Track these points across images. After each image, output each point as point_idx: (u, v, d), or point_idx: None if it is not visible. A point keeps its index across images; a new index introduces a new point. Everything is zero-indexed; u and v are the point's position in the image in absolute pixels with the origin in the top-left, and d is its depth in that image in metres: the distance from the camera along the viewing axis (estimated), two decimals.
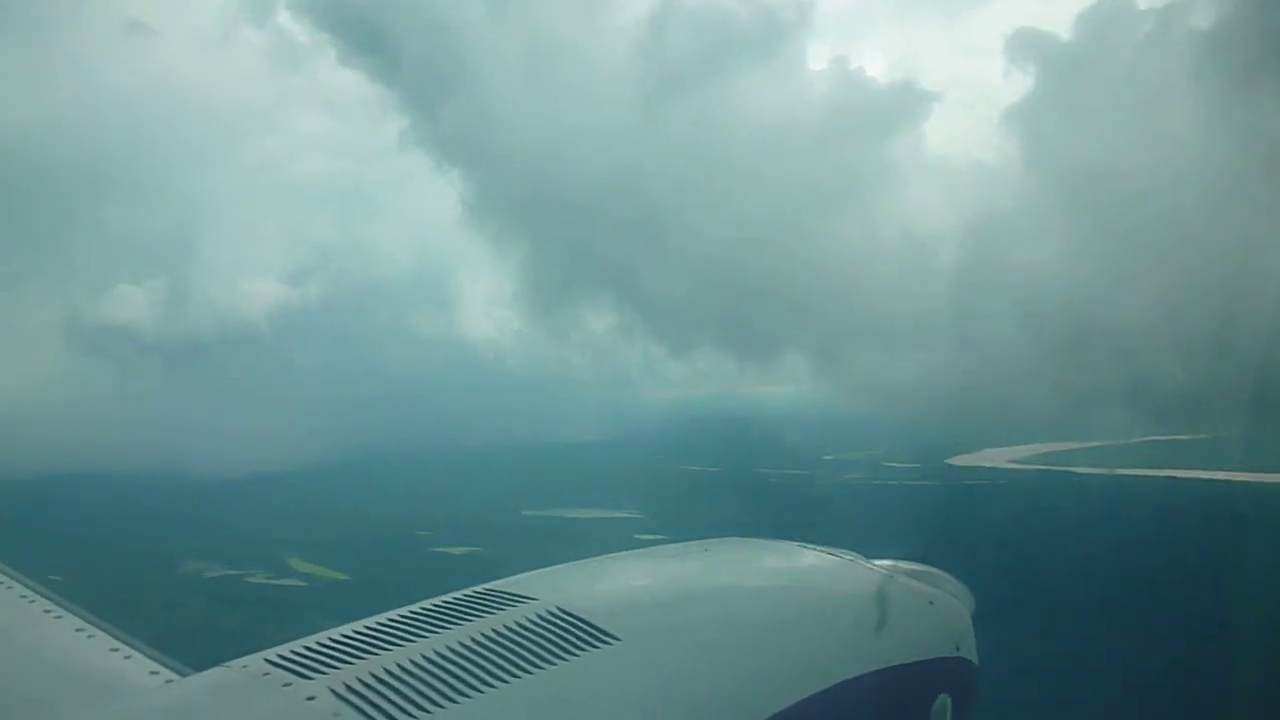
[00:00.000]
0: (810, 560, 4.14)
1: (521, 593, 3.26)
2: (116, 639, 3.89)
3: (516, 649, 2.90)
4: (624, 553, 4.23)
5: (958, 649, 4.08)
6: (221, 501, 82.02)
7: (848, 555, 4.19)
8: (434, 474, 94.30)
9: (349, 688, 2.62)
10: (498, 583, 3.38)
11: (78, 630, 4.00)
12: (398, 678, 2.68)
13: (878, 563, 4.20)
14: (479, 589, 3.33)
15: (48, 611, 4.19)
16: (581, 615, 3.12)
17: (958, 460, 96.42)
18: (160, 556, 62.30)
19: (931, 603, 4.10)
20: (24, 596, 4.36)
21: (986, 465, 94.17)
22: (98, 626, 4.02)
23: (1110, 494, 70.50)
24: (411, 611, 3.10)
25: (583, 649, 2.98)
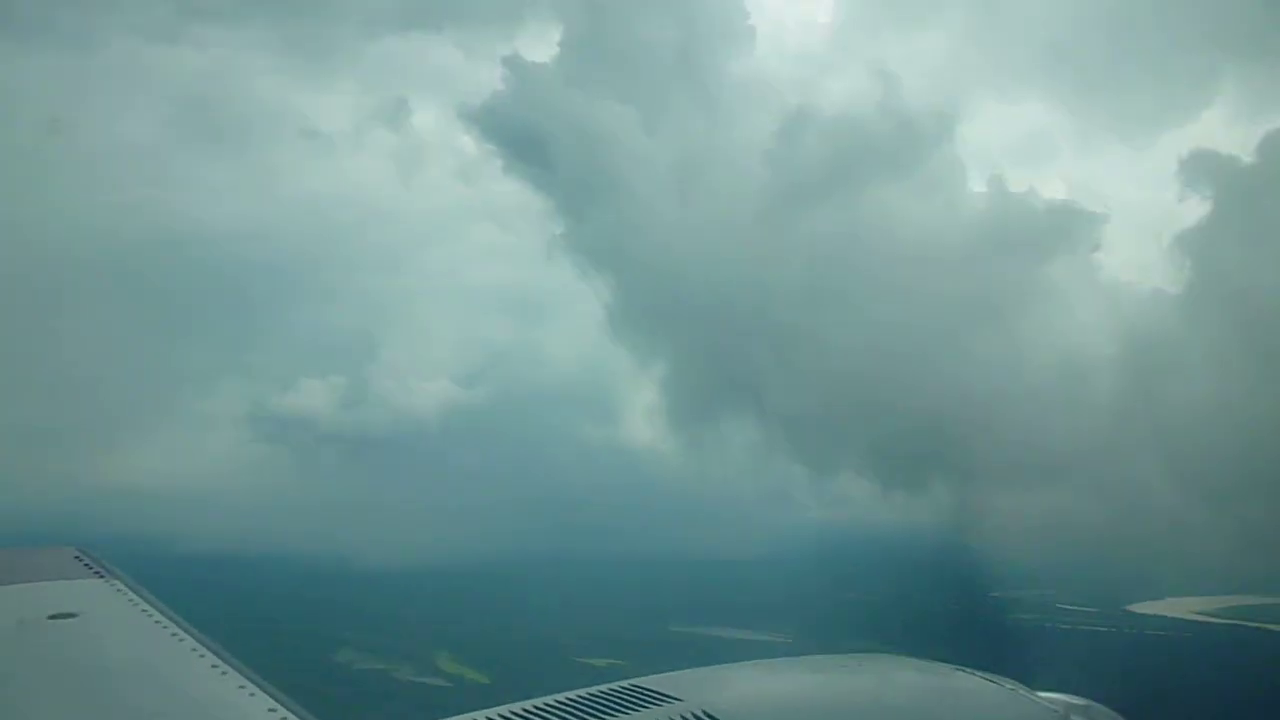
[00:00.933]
0: (969, 685, 3.93)
1: (669, 691, 3.22)
2: (275, 700, 3.94)
3: None
4: (774, 660, 4.14)
5: None
6: (382, 593, 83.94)
7: (1009, 684, 3.94)
8: (586, 581, 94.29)
9: None
10: (646, 679, 3.36)
11: (240, 688, 4.08)
12: None
13: (1042, 695, 3.93)
14: (627, 684, 3.32)
15: (215, 667, 4.31)
16: None
17: (1138, 608, 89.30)
18: (318, 642, 63.93)
19: None
20: (195, 650, 4.53)
21: (1170, 615, 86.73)
22: (259, 685, 4.10)
23: None
24: (560, 701, 3.12)
25: None
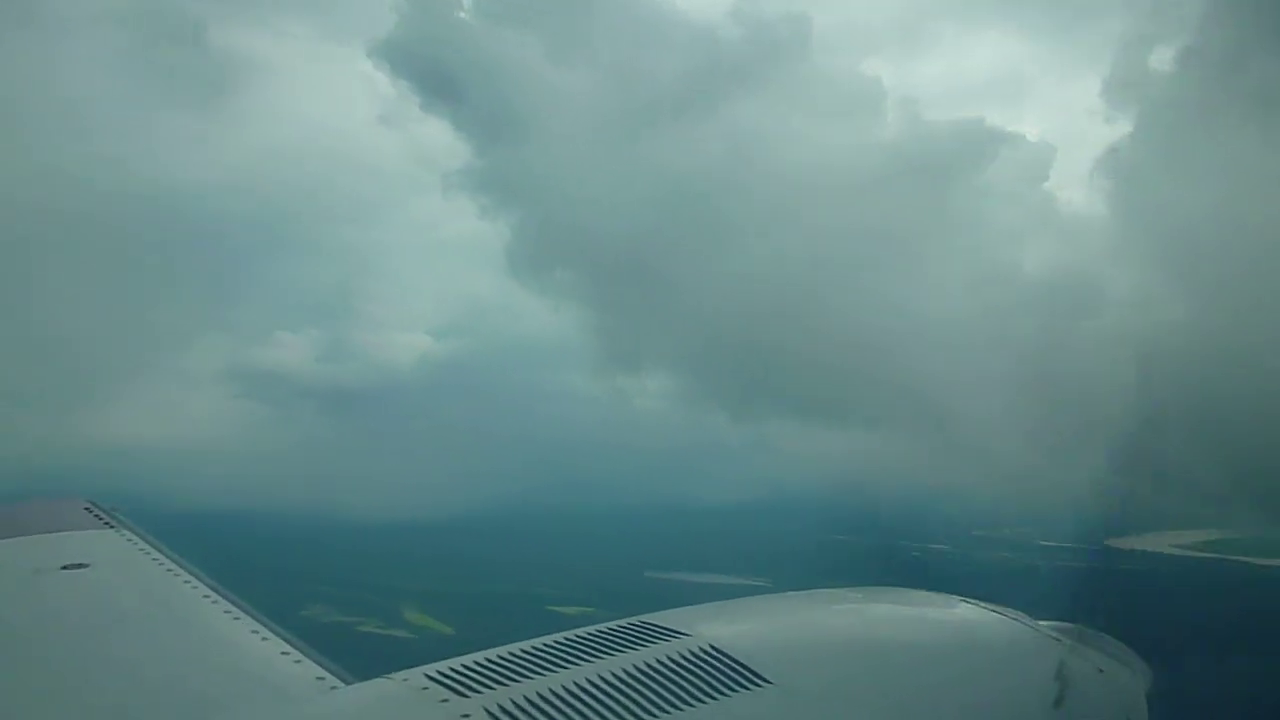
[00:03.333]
0: (974, 615, 4.03)
1: (676, 627, 3.25)
2: (288, 643, 4.11)
3: (667, 684, 2.91)
4: (782, 594, 4.15)
5: None
6: (357, 547, 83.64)
7: (1010, 613, 4.06)
8: (563, 531, 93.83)
9: (502, 709, 2.67)
10: (652, 616, 3.38)
11: (253, 632, 4.25)
12: (549, 703, 2.73)
13: (1045, 624, 4.07)
14: (634, 620, 3.33)
15: (227, 613, 4.49)
16: (735, 655, 3.09)
17: (1118, 543, 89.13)
18: (288, 597, 63.07)
19: (1101, 670, 3.95)
20: (206, 597, 4.73)
21: (1151, 550, 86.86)
22: (271, 630, 4.24)
23: None
24: (568, 638, 3.13)
25: (733, 689, 2.96)
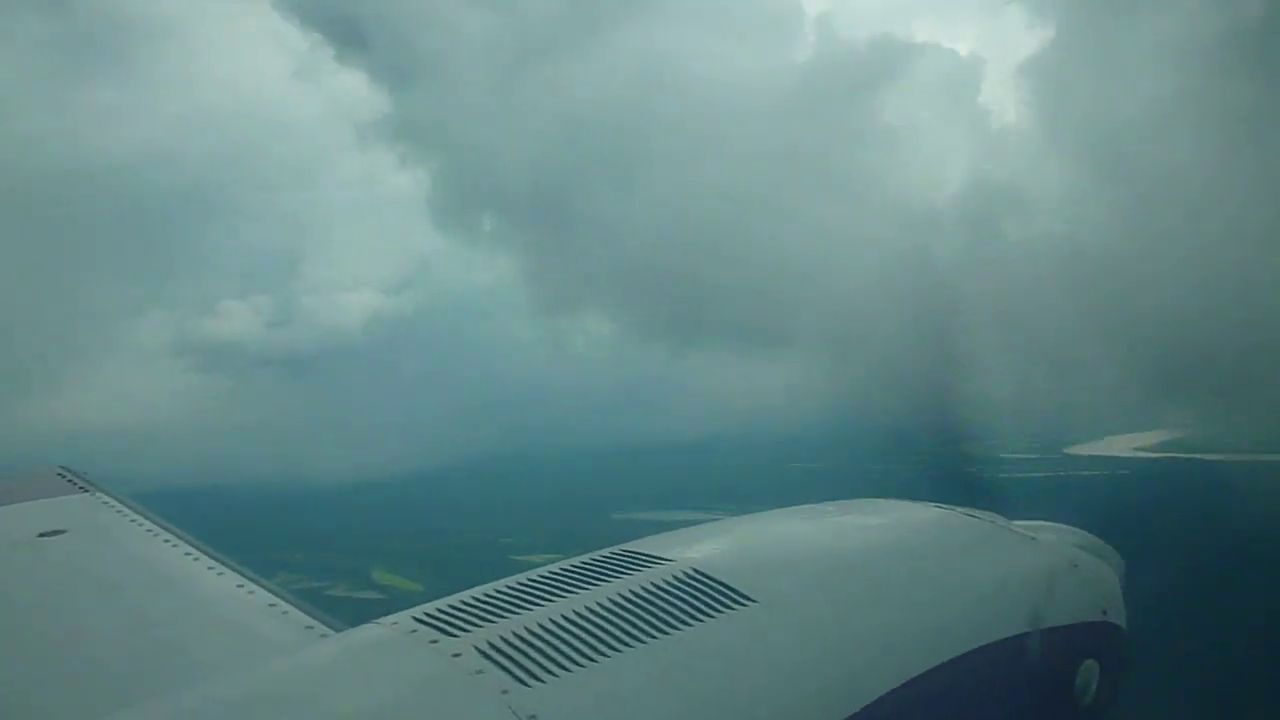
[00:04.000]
0: (949, 521, 4.08)
1: (659, 554, 3.28)
2: (274, 594, 4.14)
3: (653, 610, 2.93)
4: (761, 513, 4.12)
5: (1105, 613, 3.98)
6: (324, 512, 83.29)
7: (987, 516, 4.12)
8: (526, 479, 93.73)
9: (492, 645, 2.69)
10: (635, 543, 3.40)
11: (239, 586, 4.29)
12: (539, 636, 2.75)
13: (1019, 524, 4.15)
14: (618, 549, 3.34)
15: (211, 569, 4.53)
16: (718, 576, 3.11)
17: (1077, 450, 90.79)
18: (257, 567, 62.48)
19: (1076, 565, 4.00)
20: (188, 554, 4.73)
21: (1108, 454, 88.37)
22: (256, 582, 4.29)
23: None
24: (552, 572, 3.14)
25: (719, 610, 3.00)
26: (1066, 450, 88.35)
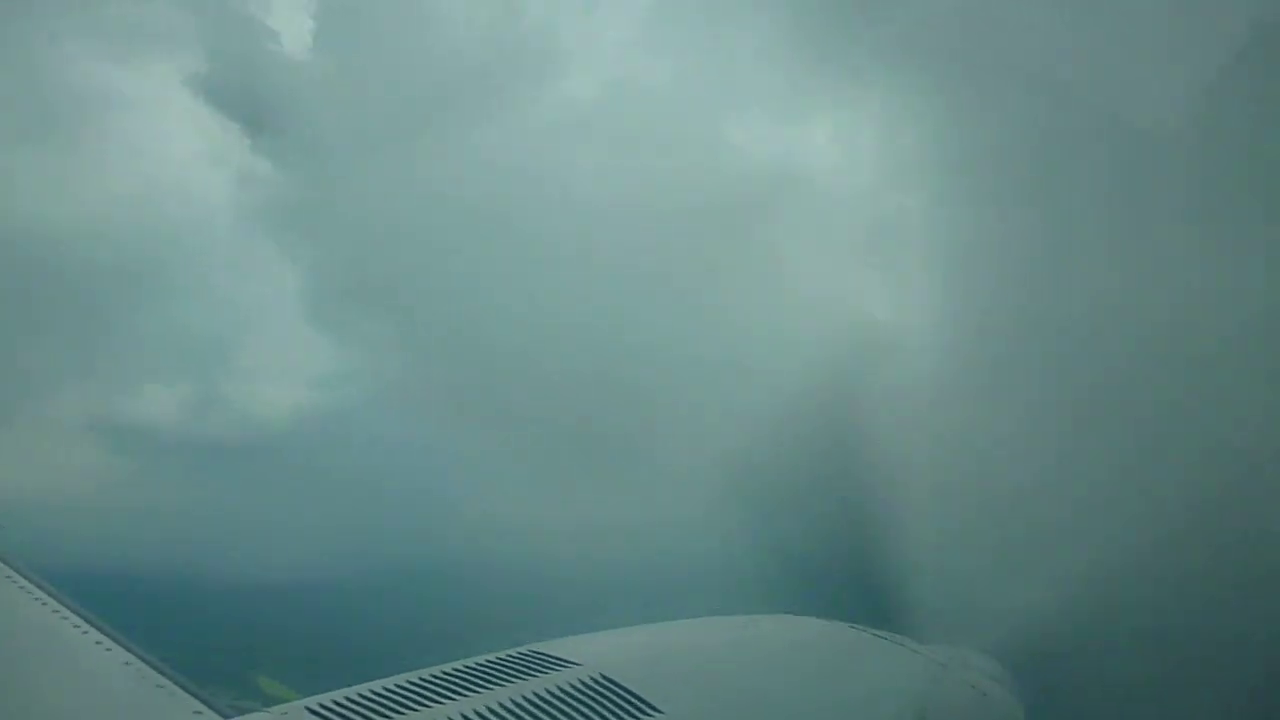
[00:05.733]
0: (860, 643, 4.43)
1: (568, 656, 3.58)
2: (162, 674, 4.35)
3: (560, 714, 3.13)
4: (673, 622, 4.48)
5: None
6: (218, 611, 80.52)
7: (899, 639, 4.53)
8: (437, 586, 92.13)
9: None
10: (545, 644, 3.71)
11: (125, 664, 4.45)
12: None
13: (931, 648, 4.51)
14: (528, 649, 3.63)
15: (99, 644, 4.71)
16: (626, 684, 3.40)
17: None
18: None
19: (985, 695, 4.35)
20: (77, 627, 4.93)
21: None
22: (145, 660, 4.49)
23: None
24: (458, 668, 3.37)
25: (625, 718, 3.19)
26: None
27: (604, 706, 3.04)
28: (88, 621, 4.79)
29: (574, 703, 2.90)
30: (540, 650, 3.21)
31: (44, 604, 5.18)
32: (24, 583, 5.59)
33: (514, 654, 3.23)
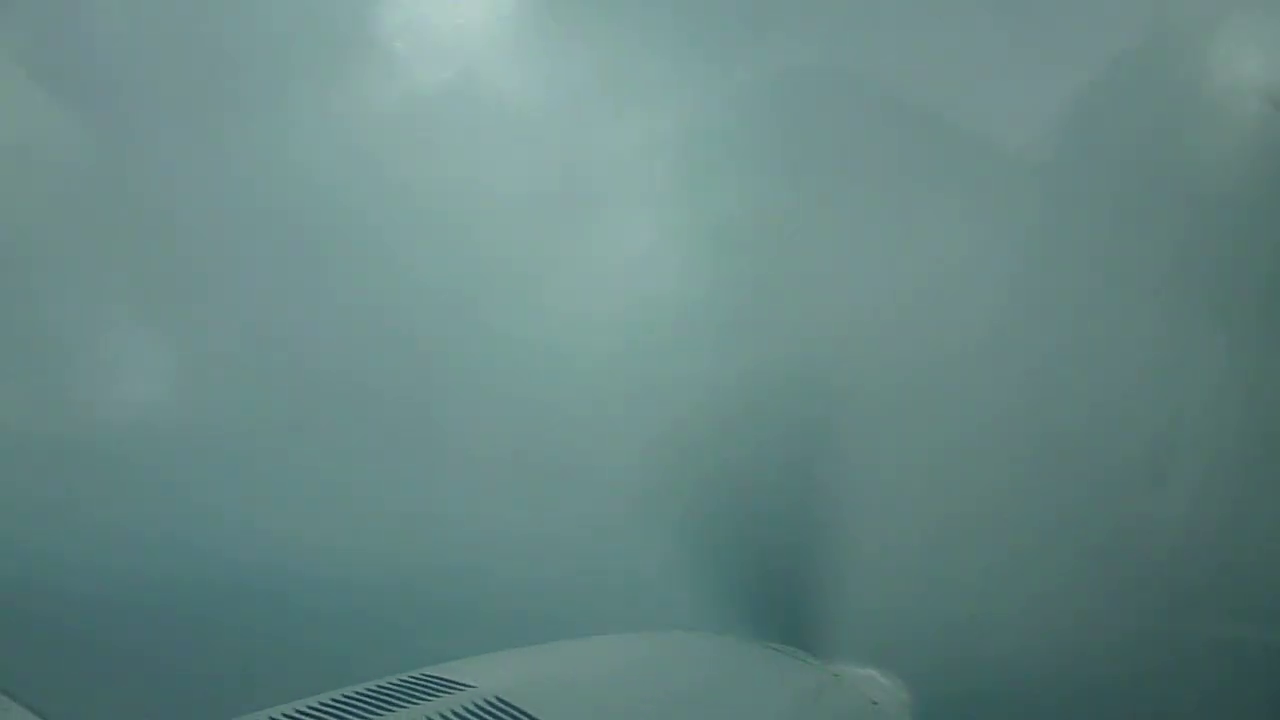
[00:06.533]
0: (754, 656, 4.28)
1: (459, 679, 3.12)
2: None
3: None
4: (567, 641, 4.04)
5: None
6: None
7: (791, 651, 4.36)
8: (286, 605, 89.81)
9: None
10: (435, 667, 3.22)
11: None
12: None
13: (822, 661, 4.35)
14: (416, 673, 3.15)
15: None
16: (522, 706, 3.01)
17: None
18: None
19: (875, 703, 4.20)
20: None
21: None
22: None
23: None
24: (346, 695, 2.88)
25: None
26: None
27: None
28: None
29: None
30: (429, 674, 2.75)
31: None
32: None
33: (401, 678, 2.67)
